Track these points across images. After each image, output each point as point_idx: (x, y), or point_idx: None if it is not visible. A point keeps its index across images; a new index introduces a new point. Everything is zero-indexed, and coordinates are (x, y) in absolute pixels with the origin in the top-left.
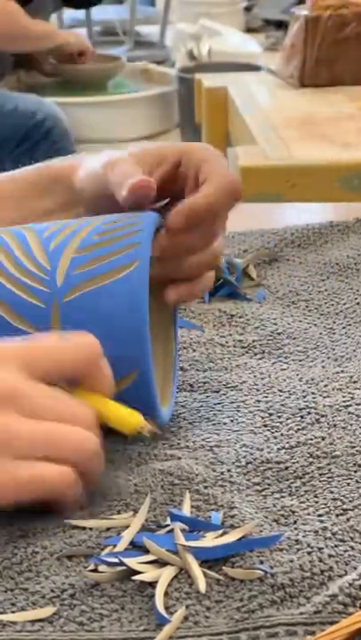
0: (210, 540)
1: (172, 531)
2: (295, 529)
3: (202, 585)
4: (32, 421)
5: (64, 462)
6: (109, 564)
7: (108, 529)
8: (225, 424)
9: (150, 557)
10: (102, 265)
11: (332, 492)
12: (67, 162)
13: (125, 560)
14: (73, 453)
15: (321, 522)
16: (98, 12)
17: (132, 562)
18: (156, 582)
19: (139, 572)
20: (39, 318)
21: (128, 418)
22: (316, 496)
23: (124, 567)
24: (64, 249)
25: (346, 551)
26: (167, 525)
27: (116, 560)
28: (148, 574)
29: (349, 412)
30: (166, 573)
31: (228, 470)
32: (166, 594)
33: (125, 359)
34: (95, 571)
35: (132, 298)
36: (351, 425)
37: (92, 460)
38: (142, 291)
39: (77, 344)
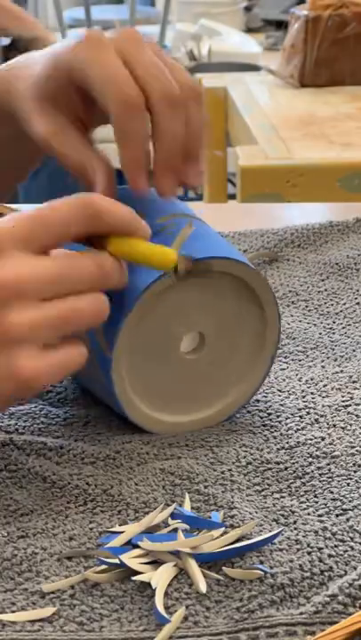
0: (210, 542)
1: (172, 530)
2: (295, 529)
3: (202, 586)
4: (47, 305)
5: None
6: (109, 565)
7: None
8: (224, 424)
9: (150, 558)
10: None
11: (331, 492)
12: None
13: (126, 560)
14: (91, 321)
15: (321, 522)
16: (98, 12)
17: (133, 562)
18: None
19: (139, 573)
20: None
21: (163, 254)
22: (315, 496)
23: (123, 567)
24: None
25: (346, 551)
26: (168, 525)
27: (116, 561)
28: (148, 575)
29: (349, 412)
30: (166, 574)
31: (229, 470)
32: (166, 594)
33: None
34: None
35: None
36: (351, 425)
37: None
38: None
39: (69, 204)
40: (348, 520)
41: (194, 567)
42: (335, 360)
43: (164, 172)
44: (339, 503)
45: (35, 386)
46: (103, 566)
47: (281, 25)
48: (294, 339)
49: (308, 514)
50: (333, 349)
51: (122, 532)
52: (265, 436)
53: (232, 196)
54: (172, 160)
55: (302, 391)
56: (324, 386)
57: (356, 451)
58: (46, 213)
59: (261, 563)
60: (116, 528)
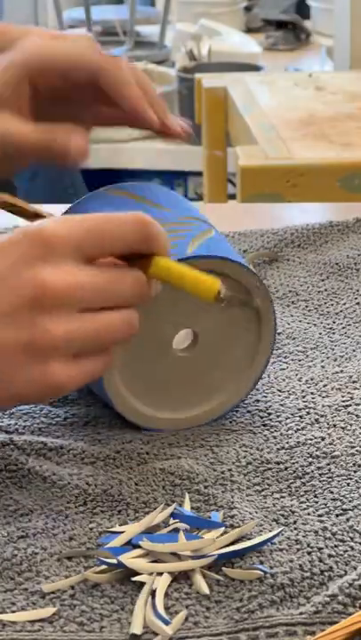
0: (210, 542)
1: (173, 530)
2: (295, 529)
3: (204, 587)
4: (85, 317)
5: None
6: (109, 565)
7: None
8: (224, 424)
9: (151, 558)
10: None
11: (331, 492)
12: None
13: (125, 561)
14: (122, 337)
15: (321, 522)
16: (98, 12)
17: (133, 562)
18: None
19: (139, 573)
20: None
21: (206, 282)
22: (315, 496)
23: (123, 568)
24: None
25: (346, 551)
26: (168, 525)
27: (116, 561)
28: (148, 576)
29: (349, 412)
30: (166, 575)
31: (229, 470)
32: (166, 594)
33: None
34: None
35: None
36: (351, 425)
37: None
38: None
39: (125, 221)
40: (348, 520)
41: (195, 569)
42: (335, 360)
43: (154, 108)
44: (339, 503)
45: (63, 392)
46: (103, 566)
47: (281, 25)
48: (294, 339)
49: (308, 514)
50: (333, 349)
51: (122, 532)
52: (265, 435)
53: (232, 196)
54: (150, 99)
55: (302, 391)
56: (325, 386)
57: (357, 451)
58: (102, 226)
59: (261, 563)
60: (116, 528)
